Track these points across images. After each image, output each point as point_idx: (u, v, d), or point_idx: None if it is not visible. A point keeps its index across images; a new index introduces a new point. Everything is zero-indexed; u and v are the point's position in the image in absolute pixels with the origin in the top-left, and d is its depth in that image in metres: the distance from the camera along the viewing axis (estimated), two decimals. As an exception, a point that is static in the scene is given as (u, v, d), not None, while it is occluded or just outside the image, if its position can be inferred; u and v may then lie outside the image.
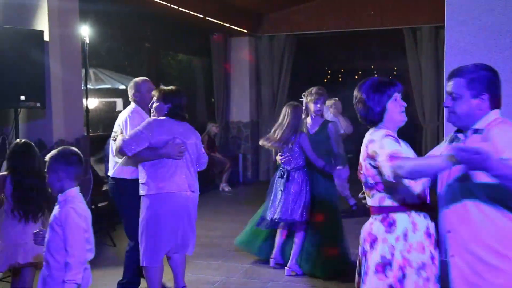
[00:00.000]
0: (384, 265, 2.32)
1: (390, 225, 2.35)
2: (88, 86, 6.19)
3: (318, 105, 4.85)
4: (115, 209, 4.34)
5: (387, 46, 11.27)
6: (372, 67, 15.32)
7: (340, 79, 15.26)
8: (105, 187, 6.35)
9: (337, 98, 7.29)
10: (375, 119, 2.48)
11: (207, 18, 8.56)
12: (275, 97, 10.29)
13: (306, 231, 4.77)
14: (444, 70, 3.78)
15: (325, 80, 14.84)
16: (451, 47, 3.62)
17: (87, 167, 5.78)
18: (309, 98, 4.92)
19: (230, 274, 4.85)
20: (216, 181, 9.44)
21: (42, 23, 5.24)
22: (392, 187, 2.35)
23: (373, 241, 2.38)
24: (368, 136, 2.49)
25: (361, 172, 2.48)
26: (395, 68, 14.86)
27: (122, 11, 7.39)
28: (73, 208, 2.70)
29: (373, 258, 2.36)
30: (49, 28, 5.24)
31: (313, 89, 4.93)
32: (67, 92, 5.49)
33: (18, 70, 4.82)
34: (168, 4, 7.39)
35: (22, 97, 4.86)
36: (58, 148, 2.89)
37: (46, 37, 5.18)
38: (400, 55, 10.13)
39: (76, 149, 2.89)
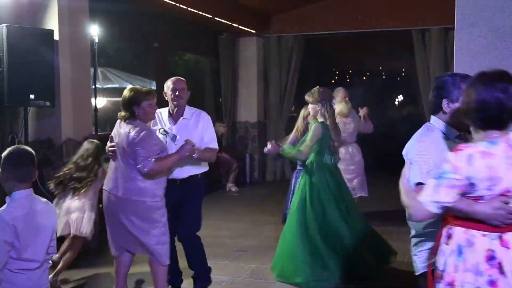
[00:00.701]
0: None
1: None
2: (96, 85, 6.23)
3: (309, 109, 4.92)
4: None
5: (395, 47, 11.24)
6: (380, 68, 15.31)
7: (348, 80, 15.24)
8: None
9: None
10: None
11: (216, 18, 8.58)
12: (283, 97, 10.29)
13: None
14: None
15: (333, 81, 14.83)
16: (461, 48, 3.60)
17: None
18: None
19: (237, 274, 4.85)
20: (223, 181, 9.45)
21: (52, 23, 5.27)
22: None
23: None
24: None
25: None
26: (403, 70, 14.84)
27: (131, 11, 7.42)
28: (0, 214, 2.56)
29: None
30: (59, 27, 5.27)
31: None
32: (76, 91, 5.51)
33: (28, 69, 4.85)
34: (177, 4, 7.41)
35: (32, 96, 4.89)
36: (11, 147, 2.75)
37: (56, 37, 5.21)
38: (408, 57, 10.10)
39: (28, 149, 2.73)
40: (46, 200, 2.83)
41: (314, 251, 4.51)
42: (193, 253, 4.20)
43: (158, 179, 3.77)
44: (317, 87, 4.83)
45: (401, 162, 2.42)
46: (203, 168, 4.15)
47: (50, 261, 2.88)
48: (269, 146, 4.74)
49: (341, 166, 6.73)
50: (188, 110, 4.12)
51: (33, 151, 2.74)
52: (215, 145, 4.13)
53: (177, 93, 4.02)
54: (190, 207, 4.13)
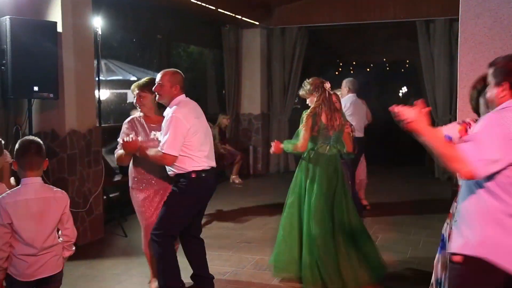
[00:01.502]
0: None
1: None
2: (100, 78, 6.23)
3: None
4: (126, 200, 4.40)
5: (400, 38, 11.18)
6: (384, 59, 15.23)
7: (352, 72, 15.19)
8: (116, 178, 6.40)
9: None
10: None
11: (219, 10, 8.55)
12: (286, 89, 10.28)
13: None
14: (458, 63, 3.74)
15: (337, 73, 14.80)
16: (466, 39, 3.58)
17: (99, 158, 5.82)
18: None
19: (241, 265, 4.87)
20: (227, 173, 9.47)
21: (55, 14, 5.26)
22: None
23: None
24: None
25: None
26: (407, 61, 14.77)
27: (134, 3, 7.40)
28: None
29: None
30: (62, 19, 5.25)
31: None
32: (79, 83, 5.52)
33: (31, 61, 4.85)
34: (180, -4, 7.39)
35: (36, 88, 4.90)
36: (22, 138, 2.97)
37: (59, 28, 5.20)
38: (412, 48, 10.04)
39: (33, 139, 2.90)
40: (58, 189, 2.95)
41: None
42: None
43: (131, 165, 4.00)
44: (306, 79, 4.56)
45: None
46: (178, 169, 3.75)
47: (73, 248, 2.99)
48: (272, 147, 4.52)
49: None
50: (169, 108, 3.78)
51: (40, 141, 2.91)
52: (165, 149, 3.62)
53: (154, 88, 3.84)
54: (163, 205, 3.91)
